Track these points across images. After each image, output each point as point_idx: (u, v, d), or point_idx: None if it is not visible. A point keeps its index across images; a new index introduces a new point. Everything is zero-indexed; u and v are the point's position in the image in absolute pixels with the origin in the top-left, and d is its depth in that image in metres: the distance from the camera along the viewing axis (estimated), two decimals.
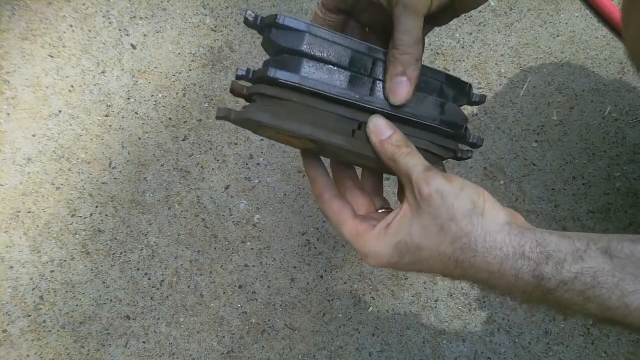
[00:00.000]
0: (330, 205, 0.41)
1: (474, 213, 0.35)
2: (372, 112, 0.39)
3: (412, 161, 0.37)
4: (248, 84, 0.41)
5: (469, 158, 0.45)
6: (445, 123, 0.40)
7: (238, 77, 0.40)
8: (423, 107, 0.40)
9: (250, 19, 0.39)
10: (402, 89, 0.38)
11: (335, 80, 0.37)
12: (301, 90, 0.37)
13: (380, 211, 0.44)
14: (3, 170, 0.84)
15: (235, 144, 0.87)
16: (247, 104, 0.42)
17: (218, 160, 0.86)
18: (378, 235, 0.38)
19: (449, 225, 0.35)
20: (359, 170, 0.47)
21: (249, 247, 0.83)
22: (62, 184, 0.84)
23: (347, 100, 0.37)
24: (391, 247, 0.37)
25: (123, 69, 0.89)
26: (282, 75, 0.36)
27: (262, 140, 0.87)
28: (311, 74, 0.37)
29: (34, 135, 0.85)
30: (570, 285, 0.33)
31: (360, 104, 0.38)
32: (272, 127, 0.37)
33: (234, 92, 0.42)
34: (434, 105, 0.40)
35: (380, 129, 0.38)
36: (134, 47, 0.90)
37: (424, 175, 0.36)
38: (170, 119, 0.88)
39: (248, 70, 0.40)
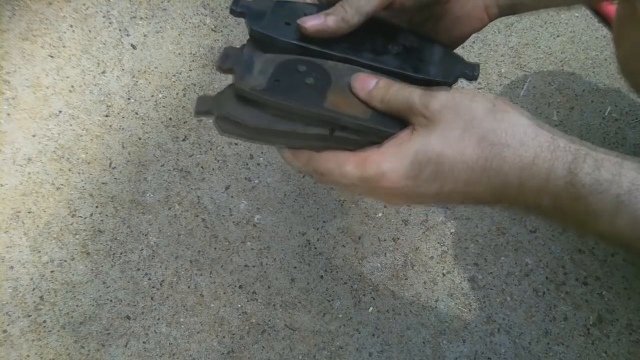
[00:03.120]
0: (323, 157, 0.37)
1: (496, 110, 0.32)
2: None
3: (406, 93, 0.35)
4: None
5: (474, 78, 0.41)
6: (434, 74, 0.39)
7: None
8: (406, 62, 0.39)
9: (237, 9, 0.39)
10: (313, 21, 0.37)
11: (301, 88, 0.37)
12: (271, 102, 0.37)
13: None
14: (3, 170, 0.84)
15: (235, 144, 0.87)
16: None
17: (218, 160, 0.86)
18: (391, 151, 0.34)
19: (471, 125, 0.32)
20: None
21: (249, 247, 0.83)
22: (62, 184, 0.84)
23: (313, 111, 0.36)
24: (409, 159, 0.33)
25: (123, 69, 0.89)
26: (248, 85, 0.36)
27: None
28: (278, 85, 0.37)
29: (34, 135, 0.85)
30: (607, 186, 0.30)
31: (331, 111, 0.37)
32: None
33: (199, 114, 0.41)
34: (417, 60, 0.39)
35: (364, 81, 0.36)
36: (134, 47, 0.90)
37: (426, 98, 0.34)
38: (170, 119, 0.88)
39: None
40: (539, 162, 0.31)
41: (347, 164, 0.35)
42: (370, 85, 0.36)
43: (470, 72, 0.41)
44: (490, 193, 0.33)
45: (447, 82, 0.39)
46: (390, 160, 0.34)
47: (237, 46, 0.42)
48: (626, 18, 0.58)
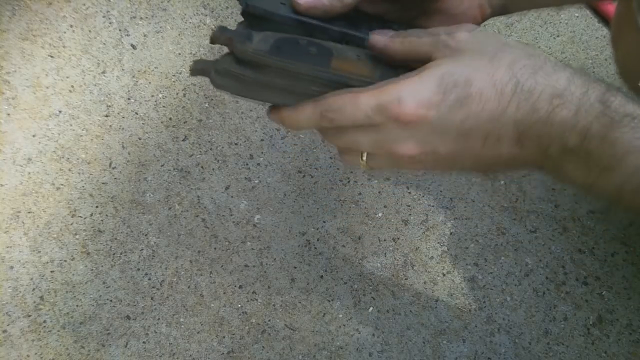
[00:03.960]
0: (334, 95, 0.33)
1: (524, 45, 0.32)
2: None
3: (426, 36, 0.33)
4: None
5: None
6: None
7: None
8: None
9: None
10: None
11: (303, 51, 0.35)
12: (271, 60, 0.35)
13: None
14: (3, 170, 0.84)
15: (235, 144, 0.87)
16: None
17: (218, 160, 0.86)
18: (413, 76, 0.31)
19: (502, 51, 0.31)
20: None
21: (249, 247, 0.83)
22: (62, 184, 0.84)
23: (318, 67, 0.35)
24: (434, 80, 0.30)
25: (123, 69, 0.89)
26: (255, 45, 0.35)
27: (262, 140, 0.87)
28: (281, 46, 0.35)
29: (34, 135, 0.85)
30: (638, 121, 0.29)
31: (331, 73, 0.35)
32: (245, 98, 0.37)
33: (195, 72, 0.40)
34: None
35: (379, 36, 0.34)
36: (134, 47, 0.90)
37: (452, 28, 0.32)
38: (170, 119, 0.88)
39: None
40: (572, 89, 0.30)
41: (362, 95, 0.32)
42: (388, 33, 0.35)
43: None
44: (513, 129, 0.31)
45: None
46: (411, 83, 0.31)
47: None
48: (623, 21, 0.58)
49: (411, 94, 0.30)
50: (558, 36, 0.92)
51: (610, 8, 0.89)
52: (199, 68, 0.38)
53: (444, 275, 0.82)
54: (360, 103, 0.32)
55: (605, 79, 0.33)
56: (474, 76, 0.30)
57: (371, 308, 0.81)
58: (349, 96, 0.33)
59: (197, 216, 0.84)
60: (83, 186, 0.84)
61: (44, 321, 0.79)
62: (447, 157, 0.33)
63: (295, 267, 0.82)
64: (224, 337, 0.79)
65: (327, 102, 0.34)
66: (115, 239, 0.83)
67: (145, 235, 0.83)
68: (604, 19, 0.91)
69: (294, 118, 0.36)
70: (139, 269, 0.81)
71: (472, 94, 0.30)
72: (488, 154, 0.33)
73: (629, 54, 0.60)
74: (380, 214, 0.85)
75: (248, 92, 0.36)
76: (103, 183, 0.85)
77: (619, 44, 0.62)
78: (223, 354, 0.79)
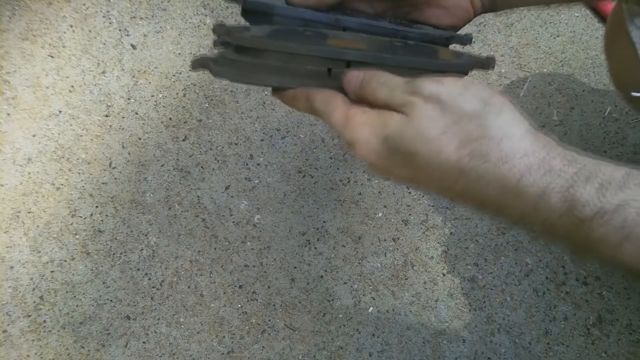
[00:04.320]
0: (320, 95, 0.34)
1: (486, 113, 0.28)
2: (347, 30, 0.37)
3: (390, 83, 0.32)
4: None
5: (491, 67, 0.38)
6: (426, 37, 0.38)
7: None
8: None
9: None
10: None
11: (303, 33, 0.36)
12: (270, 37, 0.36)
13: None
14: (3, 170, 0.84)
15: (235, 144, 0.87)
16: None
17: (218, 160, 0.86)
18: (368, 120, 0.31)
19: (454, 128, 0.28)
20: None
21: (249, 247, 0.83)
22: (62, 184, 0.84)
23: (320, 31, 0.36)
24: (379, 138, 0.30)
25: (123, 69, 0.89)
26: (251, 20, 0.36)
27: (262, 140, 0.87)
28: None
29: (34, 135, 0.85)
30: (610, 216, 0.26)
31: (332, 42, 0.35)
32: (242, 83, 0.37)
33: (195, 66, 0.41)
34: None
35: (352, 78, 0.34)
36: (134, 47, 0.90)
37: (409, 87, 0.30)
38: (170, 119, 0.88)
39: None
40: (525, 186, 0.27)
41: (333, 115, 0.33)
42: (357, 79, 0.33)
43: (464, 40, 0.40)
44: (468, 199, 0.30)
45: (443, 38, 0.38)
46: (365, 130, 0.31)
47: None
48: (616, 31, 0.58)
49: (363, 143, 0.31)
50: (558, 36, 0.92)
51: (610, 7, 0.89)
52: (199, 62, 0.38)
53: (444, 275, 0.82)
54: (332, 123, 0.33)
55: (574, 147, 0.28)
56: (419, 149, 0.29)
57: (371, 308, 0.81)
58: (327, 110, 0.33)
59: (197, 216, 0.84)
60: (83, 186, 0.84)
61: (44, 321, 0.79)
62: (410, 186, 0.33)
63: (295, 267, 0.82)
64: (224, 337, 0.79)
65: (314, 101, 0.35)
66: (115, 239, 0.83)
67: (145, 235, 0.83)
68: (603, 19, 0.91)
69: (289, 103, 0.37)
70: (139, 269, 0.81)
71: (418, 166, 0.30)
72: (452, 200, 0.33)
73: (621, 64, 0.60)
74: (380, 214, 0.85)
75: (246, 76, 0.37)
76: (103, 183, 0.85)
77: (612, 53, 0.62)
78: (223, 354, 0.79)
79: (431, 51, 0.37)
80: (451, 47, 0.42)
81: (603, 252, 0.27)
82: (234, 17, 0.91)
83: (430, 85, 0.29)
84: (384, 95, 0.31)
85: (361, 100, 0.33)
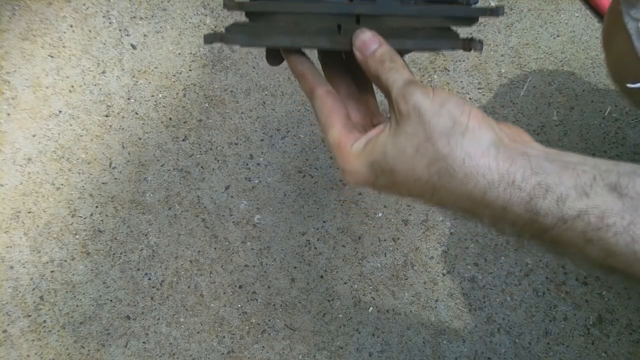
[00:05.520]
0: (323, 102, 0.36)
1: (453, 132, 0.30)
2: None
3: (393, 76, 0.33)
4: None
5: (479, 50, 0.38)
6: None
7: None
8: None
9: None
10: None
11: None
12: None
13: (376, 126, 0.38)
14: (3, 170, 0.84)
15: (235, 144, 0.87)
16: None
17: (218, 160, 0.86)
18: (356, 152, 0.34)
19: (425, 146, 0.31)
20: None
21: (249, 247, 0.83)
22: (62, 184, 0.84)
23: None
24: (366, 166, 0.33)
25: (123, 69, 0.89)
26: None
27: (262, 140, 0.87)
28: None
29: (34, 135, 0.85)
30: (571, 224, 0.28)
31: None
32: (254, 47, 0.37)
33: (207, 40, 0.41)
34: None
35: (365, 44, 0.35)
36: (134, 47, 0.90)
37: (402, 91, 0.32)
38: (170, 119, 0.88)
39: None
40: (490, 199, 0.30)
41: (330, 133, 0.36)
42: (370, 49, 0.35)
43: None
44: (448, 209, 0.33)
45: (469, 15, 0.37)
46: (352, 162, 0.34)
47: (237, 46, 0.41)
48: (613, 23, 0.58)
49: (351, 172, 0.35)
50: (558, 36, 0.92)
51: (606, 3, 0.89)
52: (210, 36, 0.38)
53: (444, 275, 0.82)
54: (327, 137, 0.36)
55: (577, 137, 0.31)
56: (398, 167, 0.32)
57: (371, 308, 0.81)
58: (325, 122, 0.36)
59: (197, 216, 0.84)
60: (83, 186, 0.84)
61: (44, 321, 0.79)
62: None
63: (295, 267, 0.82)
64: (224, 337, 0.79)
65: (316, 102, 0.37)
66: (115, 239, 0.83)
67: (145, 235, 0.83)
68: (601, 15, 0.91)
69: (297, 77, 0.38)
70: (139, 269, 0.81)
71: (398, 182, 0.33)
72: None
73: (619, 56, 0.60)
74: (380, 214, 0.85)
75: (257, 40, 0.37)
76: (103, 183, 0.85)
77: (610, 46, 0.62)
78: (223, 354, 0.79)
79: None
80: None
81: (570, 253, 0.30)
82: (234, 17, 0.91)
83: (418, 96, 0.32)
84: (386, 82, 0.34)
85: (365, 66, 0.35)
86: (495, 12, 0.37)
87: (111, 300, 0.80)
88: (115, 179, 0.85)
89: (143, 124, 0.87)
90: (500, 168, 0.29)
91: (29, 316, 0.79)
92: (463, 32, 0.91)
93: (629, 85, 0.58)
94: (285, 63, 0.40)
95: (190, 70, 0.89)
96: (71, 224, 0.83)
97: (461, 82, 0.90)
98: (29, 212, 0.83)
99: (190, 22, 0.92)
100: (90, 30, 0.90)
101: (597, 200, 0.28)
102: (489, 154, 0.30)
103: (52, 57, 0.89)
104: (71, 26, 0.90)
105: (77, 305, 0.80)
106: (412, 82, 0.33)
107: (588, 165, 0.29)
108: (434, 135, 0.31)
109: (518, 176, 0.29)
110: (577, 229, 0.28)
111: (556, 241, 0.29)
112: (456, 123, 0.30)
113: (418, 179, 0.31)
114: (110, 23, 0.91)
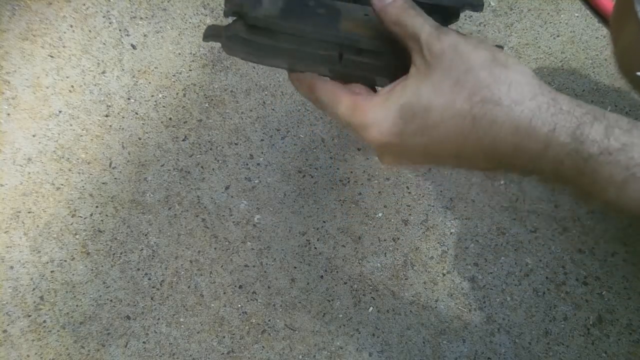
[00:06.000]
0: (323, 88, 0.35)
1: (494, 64, 0.30)
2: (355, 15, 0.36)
3: (420, 21, 0.32)
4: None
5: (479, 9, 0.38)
6: None
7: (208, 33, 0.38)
8: None
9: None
10: None
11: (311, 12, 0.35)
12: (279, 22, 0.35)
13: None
14: (3, 170, 0.84)
15: (235, 144, 0.87)
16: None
17: (218, 160, 0.86)
18: (379, 101, 0.32)
19: (465, 77, 0.30)
20: None
21: (249, 247, 0.83)
22: (62, 184, 0.84)
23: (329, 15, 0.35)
24: (395, 111, 0.31)
25: (123, 69, 0.89)
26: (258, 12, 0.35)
27: (262, 140, 0.87)
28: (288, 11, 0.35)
29: (34, 135, 0.85)
30: (616, 156, 0.28)
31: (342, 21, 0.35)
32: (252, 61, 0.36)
33: (207, 38, 0.39)
34: None
35: None
36: (134, 47, 0.90)
37: (436, 32, 0.31)
38: (170, 119, 0.88)
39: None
40: (537, 125, 0.28)
41: (340, 105, 0.34)
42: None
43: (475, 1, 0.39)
44: (483, 154, 0.31)
45: (454, 8, 0.37)
46: (376, 111, 0.32)
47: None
48: (623, 12, 0.58)
49: (375, 123, 0.32)
50: (558, 36, 0.92)
51: (606, 2, 0.89)
52: (211, 34, 0.38)
53: (444, 275, 0.82)
54: (337, 114, 0.34)
55: (589, 102, 0.31)
56: (434, 103, 0.30)
57: (371, 308, 0.81)
58: (332, 99, 0.34)
59: (197, 216, 0.84)
60: (83, 186, 0.84)
61: (44, 321, 0.79)
62: (425, 164, 0.34)
63: (295, 267, 0.82)
64: (224, 337, 0.79)
65: (318, 92, 0.35)
66: (115, 239, 0.83)
67: (145, 235, 0.83)
68: (604, 19, 0.91)
69: (298, 88, 0.37)
70: (139, 269, 0.82)
71: (432, 124, 0.30)
72: (464, 166, 0.33)
73: (628, 45, 0.60)
74: (380, 214, 0.85)
75: (258, 57, 0.37)
76: (103, 183, 0.85)
77: (619, 35, 0.62)
78: (223, 354, 0.79)
79: None
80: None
81: (607, 193, 0.29)
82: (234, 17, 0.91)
83: (454, 36, 0.31)
84: (413, 27, 0.32)
85: (383, 13, 0.33)
86: (476, 5, 0.37)
87: (111, 300, 0.80)
88: (115, 179, 0.85)
89: (143, 124, 0.87)
90: (547, 95, 0.29)
91: (29, 316, 0.79)
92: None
93: (639, 74, 0.58)
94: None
95: (190, 70, 0.89)
96: (71, 224, 0.83)
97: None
98: (29, 212, 0.83)
99: (190, 22, 0.92)
100: (90, 30, 0.90)
101: (639, 139, 0.28)
102: (533, 83, 0.29)
103: (52, 57, 0.89)
104: (71, 26, 0.90)
105: (77, 305, 0.80)
106: (441, 26, 0.32)
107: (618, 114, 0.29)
108: (475, 67, 0.30)
109: (564, 104, 0.29)
110: (620, 162, 0.28)
111: (595, 176, 0.28)
112: (495, 58, 0.30)
113: (457, 112, 0.30)
114: (110, 23, 0.91)
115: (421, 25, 0.32)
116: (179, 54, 0.90)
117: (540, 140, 0.29)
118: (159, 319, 0.80)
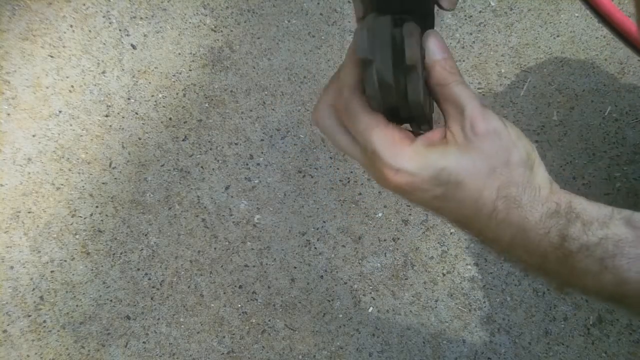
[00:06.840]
0: (358, 103, 0.34)
1: (527, 166, 0.32)
2: None
3: (466, 92, 0.33)
4: None
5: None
6: None
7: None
8: None
9: None
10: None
11: None
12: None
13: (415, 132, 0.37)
14: (3, 170, 0.84)
15: (235, 144, 0.87)
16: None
17: (218, 160, 0.86)
18: (418, 151, 0.32)
19: (502, 170, 0.32)
20: None
21: (249, 247, 0.83)
22: (62, 184, 0.84)
23: None
24: (432, 170, 0.32)
25: (123, 69, 0.89)
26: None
27: (262, 140, 0.87)
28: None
29: (34, 135, 0.85)
30: (592, 250, 0.31)
31: None
32: None
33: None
34: None
35: (435, 50, 0.34)
36: (134, 47, 0.90)
37: (481, 111, 0.32)
38: (170, 119, 0.88)
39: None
40: (538, 228, 0.32)
41: (374, 132, 0.33)
42: (441, 55, 0.34)
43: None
44: (484, 237, 0.34)
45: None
46: (413, 160, 0.32)
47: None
48: None
49: (407, 171, 0.32)
50: (558, 36, 0.92)
51: (606, 2, 0.89)
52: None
53: (444, 275, 0.82)
54: (368, 139, 0.33)
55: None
56: (467, 181, 0.32)
57: (371, 308, 0.81)
58: (363, 123, 0.33)
59: (197, 216, 0.84)
60: (83, 186, 0.84)
61: (44, 321, 0.79)
62: (420, 207, 0.36)
63: (295, 267, 0.82)
64: (224, 337, 0.79)
65: (349, 102, 0.34)
66: (115, 239, 0.83)
67: (145, 235, 0.83)
68: (604, 19, 0.91)
69: (321, 107, 0.37)
70: (139, 269, 0.82)
71: (457, 197, 0.32)
72: (464, 232, 0.36)
73: None
74: (380, 214, 0.85)
75: None
76: (103, 183, 0.85)
77: None
78: (223, 354, 0.79)
79: None
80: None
81: (585, 282, 0.32)
82: (234, 17, 0.91)
83: (497, 121, 0.33)
84: (458, 96, 0.33)
85: (432, 70, 0.33)
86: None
87: (111, 300, 0.80)
88: (115, 179, 0.85)
89: (143, 124, 0.87)
90: (554, 199, 0.32)
91: (29, 316, 0.79)
92: (462, 31, 0.91)
93: None
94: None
95: (190, 70, 0.89)
96: (71, 224, 0.83)
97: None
98: (29, 212, 0.83)
99: (190, 22, 0.92)
100: (90, 30, 0.90)
101: (615, 230, 0.31)
102: (547, 188, 0.33)
103: (52, 57, 0.89)
104: (71, 26, 0.90)
105: (77, 305, 0.80)
106: (486, 105, 0.33)
107: (605, 204, 0.32)
108: (512, 163, 0.32)
109: (563, 206, 0.32)
110: (595, 255, 0.31)
111: (574, 269, 0.32)
112: (529, 158, 0.33)
113: (482, 199, 0.32)
114: (110, 23, 0.91)
115: (468, 98, 0.33)
116: (179, 54, 0.90)
117: (535, 240, 0.32)
118: (159, 319, 0.80)
